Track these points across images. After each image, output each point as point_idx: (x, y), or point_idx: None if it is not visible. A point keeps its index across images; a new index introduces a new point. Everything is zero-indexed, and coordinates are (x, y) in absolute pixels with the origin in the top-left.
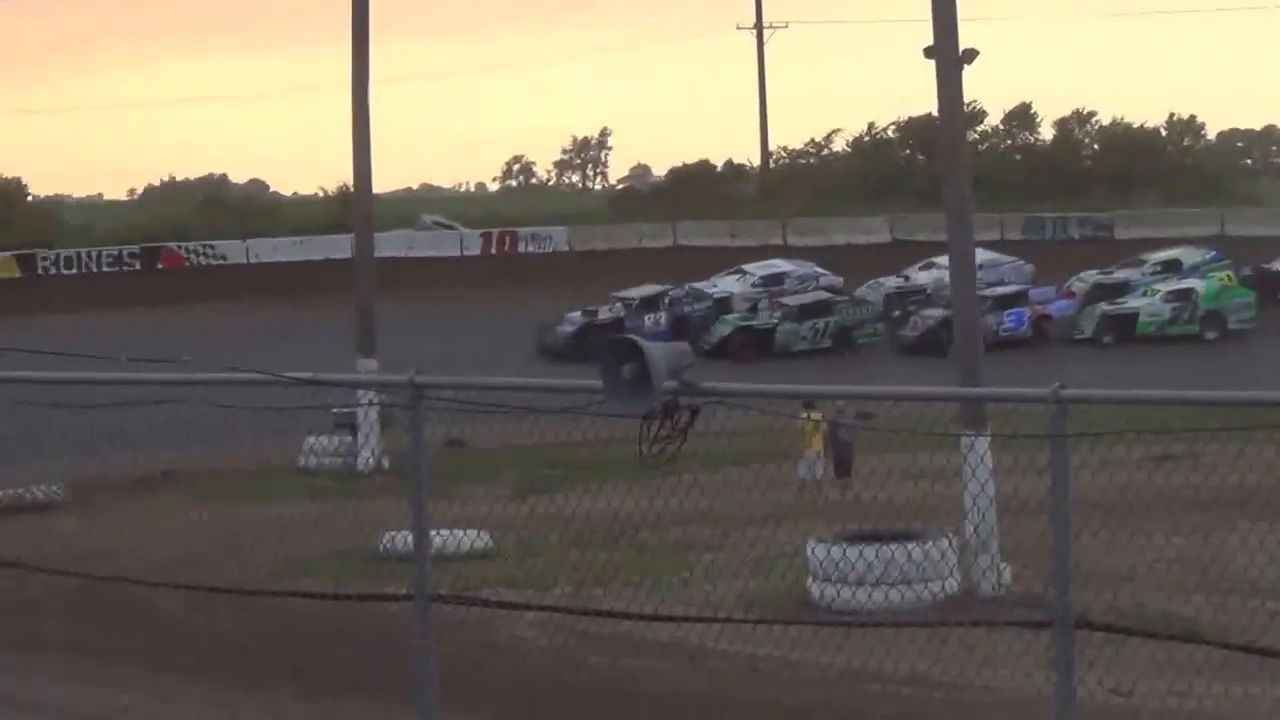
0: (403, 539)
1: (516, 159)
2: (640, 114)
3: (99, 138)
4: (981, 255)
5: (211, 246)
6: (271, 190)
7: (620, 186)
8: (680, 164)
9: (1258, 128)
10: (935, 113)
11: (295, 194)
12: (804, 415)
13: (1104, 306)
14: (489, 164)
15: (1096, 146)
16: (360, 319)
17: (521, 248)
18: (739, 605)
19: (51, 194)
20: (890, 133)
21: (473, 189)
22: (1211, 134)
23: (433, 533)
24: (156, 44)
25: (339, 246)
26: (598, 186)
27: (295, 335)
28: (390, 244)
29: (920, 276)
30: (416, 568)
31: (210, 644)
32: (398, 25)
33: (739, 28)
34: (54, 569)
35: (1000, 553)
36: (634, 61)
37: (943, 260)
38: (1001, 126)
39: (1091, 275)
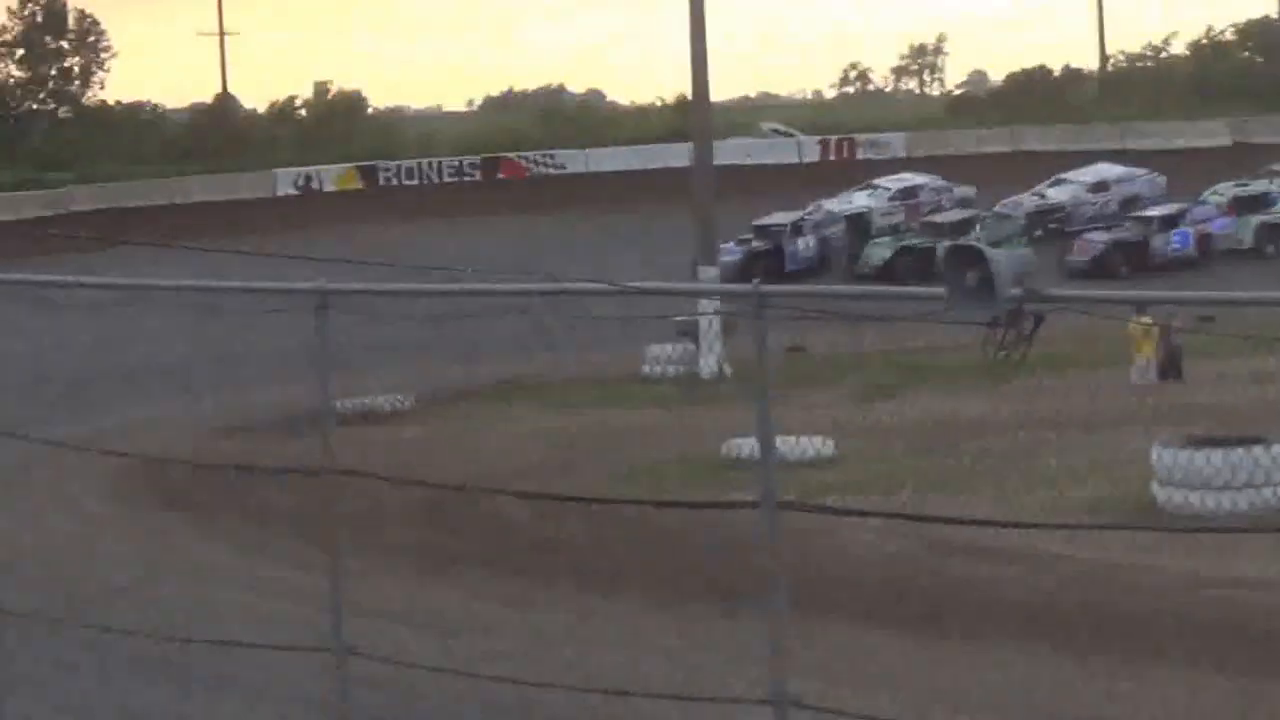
0: (746, 445)
1: (853, 66)
2: (976, 19)
3: (437, 49)
4: (1112, 170)
5: (551, 156)
6: (609, 99)
7: (957, 92)
8: (1017, 69)
9: None
10: (1275, 14)
11: (633, 103)
12: (1136, 320)
13: (1260, 217)
14: (826, 71)
15: None
16: (699, 227)
17: (860, 154)
18: (1085, 510)
19: (391, 106)
20: (1228, 35)
21: (810, 96)
22: None
23: (777, 439)
24: None
25: (677, 155)
26: (935, 92)
27: (635, 244)
28: (728, 152)
29: (1054, 193)
30: (763, 474)
31: (558, 551)
32: None
33: None
34: (402, 478)
35: None
36: None
37: (1074, 175)
38: None
39: (1227, 188)
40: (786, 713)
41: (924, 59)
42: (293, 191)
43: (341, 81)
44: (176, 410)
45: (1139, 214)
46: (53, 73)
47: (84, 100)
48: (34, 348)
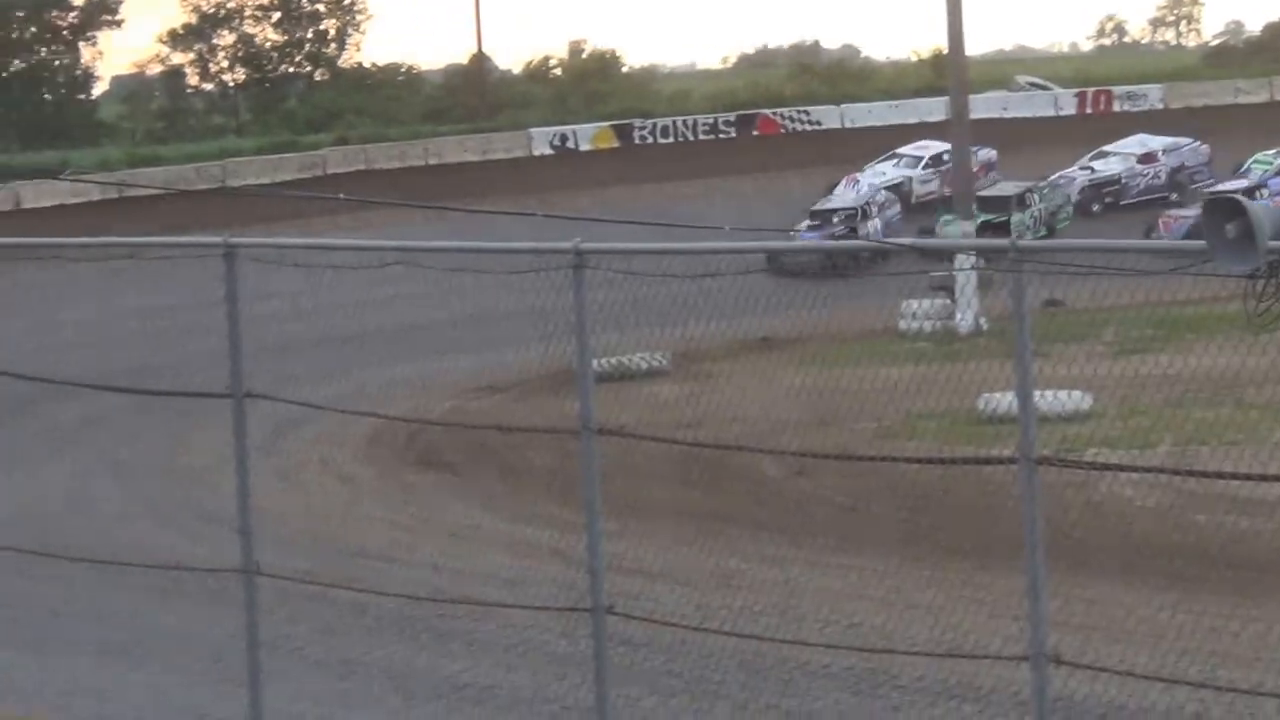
0: (1003, 400)
1: (1109, 18)
2: None
3: (691, 6)
4: (1156, 140)
5: (806, 112)
6: (863, 55)
7: (1214, 43)
8: (1276, 18)
9: None
10: None
11: (887, 58)
12: None
13: None
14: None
15: None
16: (956, 182)
17: (1116, 107)
18: None
19: (646, 64)
20: None
21: (1066, 49)
22: None
23: (1034, 394)
24: None
25: (933, 109)
26: (1191, 44)
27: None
28: (984, 105)
29: (1103, 166)
30: (1021, 430)
31: (814, 507)
32: None
33: None
34: (659, 436)
35: None
36: None
37: (1116, 147)
38: None
39: (1268, 156)
40: (1045, 669)
41: (1180, 10)
42: (548, 151)
43: (596, 40)
44: (433, 371)
45: (1217, 188)
46: (309, 36)
47: (340, 63)
48: (291, 311)
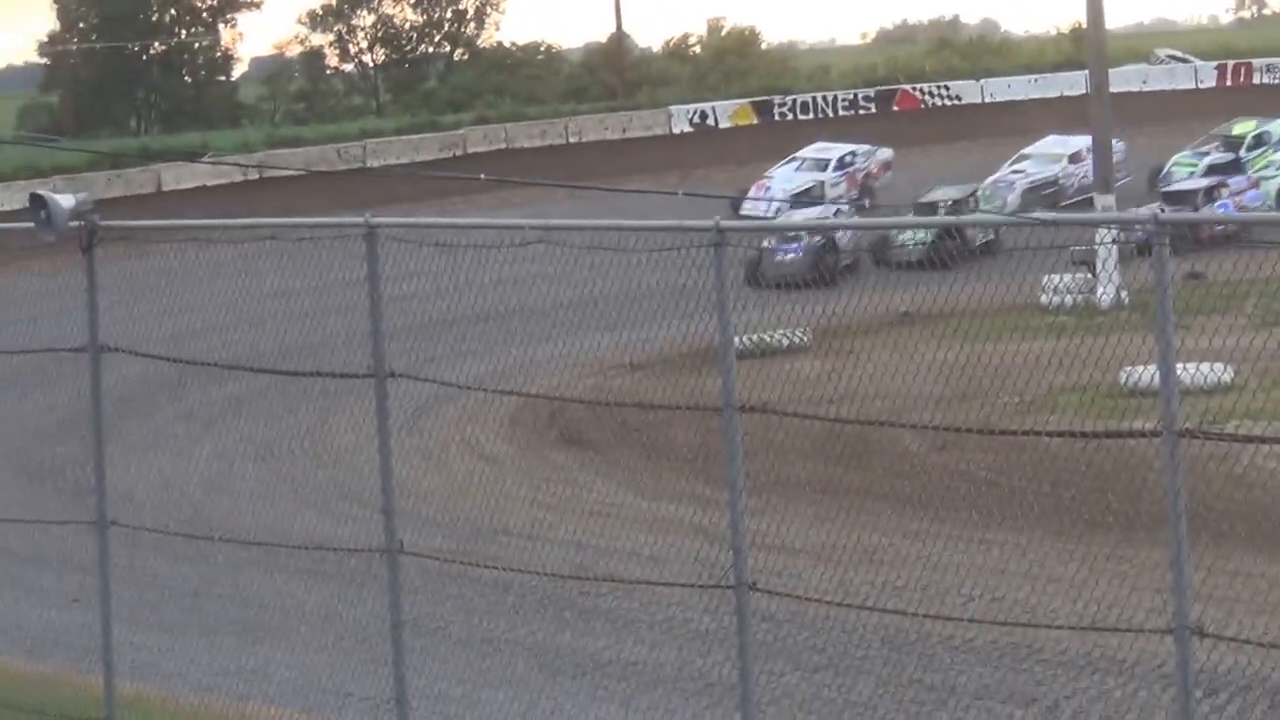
0: (1144, 373)
1: None
2: None
3: None
4: (1071, 141)
5: (946, 87)
6: (1003, 30)
7: None
8: None
9: None
10: None
11: (1027, 32)
12: None
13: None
14: None
15: None
16: (1097, 155)
17: (1256, 79)
18: None
19: (784, 41)
20: None
21: (1205, 22)
22: None
23: (1176, 366)
24: None
25: (1073, 83)
26: None
27: None
28: (1123, 79)
29: (1033, 168)
30: (1163, 403)
31: (956, 482)
32: None
33: None
34: (801, 413)
35: None
36: None
37: (1035, 149)
38: None
39: (1186, 158)
40: (1188, 642)
41: None
42: (688, 128)
43: (734, 18)
44: (574, 349)
45: (1176, 188)
46: (448, 16)
47: (479, 43)
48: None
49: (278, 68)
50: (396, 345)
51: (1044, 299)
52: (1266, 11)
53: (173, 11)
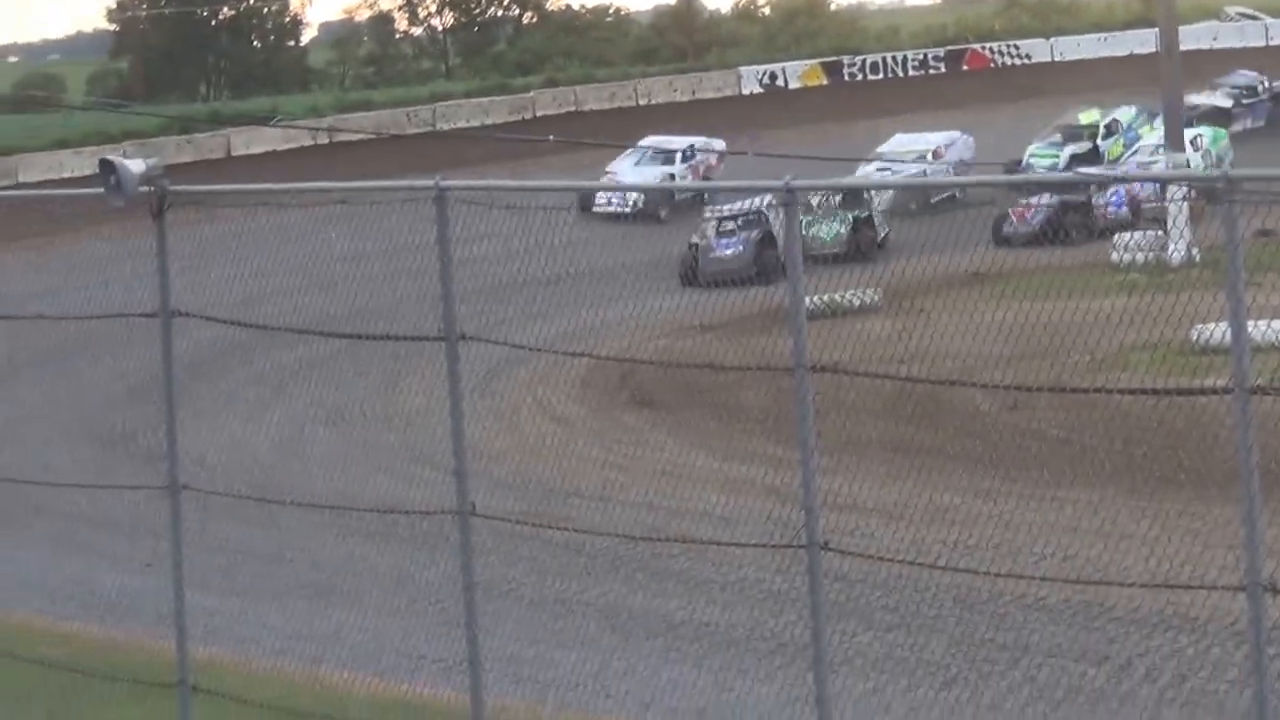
0: (1216, 331)
1: None
2: None
3: None
4: (933, 138)
5: (1016, 46)
6: None
7: None
8: None
9: None
10: None
11: None
12: None
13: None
14: None
15: None
16: (1168, 113)
17: None
18: None
19: (853, 1)
20: None
21: None
22: None
23: (1247, 324)
24: None
25: (1143, 41)
26: None
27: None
28: (1194, 36)
29: (904, 168)
30: (1234, 360)
31: (1027, 441)
32: None
33: None
34: (872, 372)
35: None
36: None
37: (888, 146)
38: None
39: (1043, 149)
40: (1261, 598)
41: None
42: (758, 89)
43: None
44: (644, 310)
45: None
46: None
47: (548, 6)
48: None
49: (346, 32)
50: (467, 308)
51: (1115, 257)
52: None
53: None
